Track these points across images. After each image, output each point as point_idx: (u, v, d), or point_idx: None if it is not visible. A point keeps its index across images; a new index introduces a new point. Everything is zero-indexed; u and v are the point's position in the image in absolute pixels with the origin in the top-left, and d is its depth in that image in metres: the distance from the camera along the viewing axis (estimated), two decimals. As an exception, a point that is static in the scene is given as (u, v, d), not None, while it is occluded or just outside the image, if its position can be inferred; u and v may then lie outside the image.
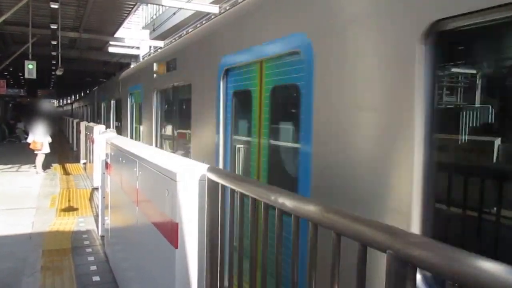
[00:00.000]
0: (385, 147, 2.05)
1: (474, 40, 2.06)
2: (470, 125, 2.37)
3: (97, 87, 19.37)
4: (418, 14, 1.85)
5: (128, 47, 19.48)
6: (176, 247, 2.37)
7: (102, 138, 6.07)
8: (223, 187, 2.17)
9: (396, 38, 2.00)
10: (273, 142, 3.42)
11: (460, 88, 2.67)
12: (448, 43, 1.92)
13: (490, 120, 2.34)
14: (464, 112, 2.42)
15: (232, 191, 2.07)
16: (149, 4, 22.08)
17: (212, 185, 2.28)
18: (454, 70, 2.58)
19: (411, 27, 1.88)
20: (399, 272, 1.06)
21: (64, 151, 18.79)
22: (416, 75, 1.85)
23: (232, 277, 2.13)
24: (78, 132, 15.23)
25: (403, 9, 1.98)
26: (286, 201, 1.62)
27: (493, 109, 2.32)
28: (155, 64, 6.83)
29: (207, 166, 2.40)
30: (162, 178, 2.62)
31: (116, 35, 18.85)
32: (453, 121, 2.43)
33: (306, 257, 1.51)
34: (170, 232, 2.45)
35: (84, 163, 13.18)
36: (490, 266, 0.88)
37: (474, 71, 2.53)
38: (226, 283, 2.20)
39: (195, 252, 2.39)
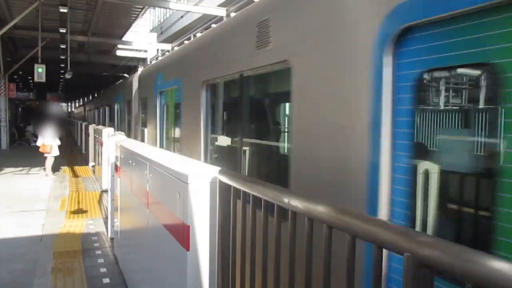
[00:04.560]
0: None
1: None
2: None
3: (109, 86, 18.56)
4: None
5: (136, 50, 19.65)
6: (188, 250, 2.38)
7: (111, 141, 6.11)
8: (235, 189, 2.17)
9: None
10: None
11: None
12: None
13: None
14: None
15: (244, 193, 2.07)
16: (156, 8, 22.22)
17: (224, 188, 2.28)
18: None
19: None
20: (417, 274, 1.05)
21: (73, 153, 18.94)
22: None
23: (244, 280, 2.13)
24: (87, 135, 15.34)
25: None
26: (299, 204, 1.62)
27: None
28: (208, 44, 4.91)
29: (218, 168, 2.41)
30: (173, 181, 2.63)
31: (124, 39, 19.02)
32: None
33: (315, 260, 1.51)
34: (182, 234, 2.46)
35: (93, 166, 13.26)
36: (506, 267, 0.87)
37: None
38: (238, 286, 2.19)
39: (207, 254, 2.39)
